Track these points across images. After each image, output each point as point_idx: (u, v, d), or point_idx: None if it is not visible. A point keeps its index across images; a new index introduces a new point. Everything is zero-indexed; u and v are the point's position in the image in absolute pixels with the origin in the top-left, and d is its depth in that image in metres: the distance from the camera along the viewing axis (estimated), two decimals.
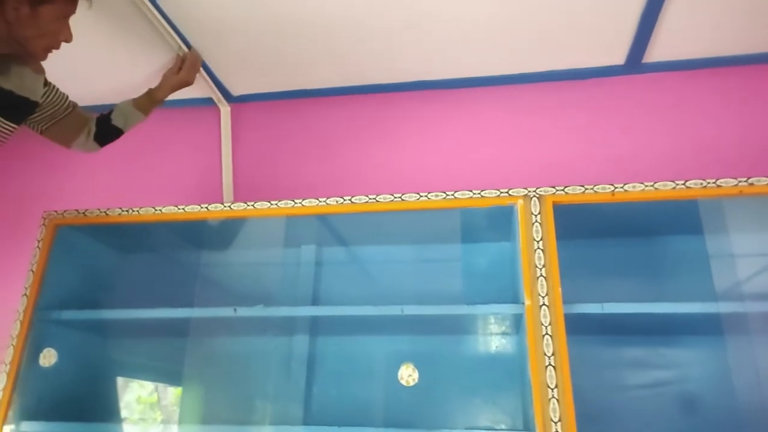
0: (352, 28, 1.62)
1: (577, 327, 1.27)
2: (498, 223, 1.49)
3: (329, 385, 1.61)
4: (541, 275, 1.28)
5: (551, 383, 1.19)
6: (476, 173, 1.80)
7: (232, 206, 1.55)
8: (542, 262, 1.29)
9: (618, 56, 1.73)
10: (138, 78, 1.83)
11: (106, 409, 1.70)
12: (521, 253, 1.32)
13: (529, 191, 1.38)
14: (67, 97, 1.45)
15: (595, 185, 1.35)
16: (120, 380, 1.76)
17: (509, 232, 1.49)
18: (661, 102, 1.77)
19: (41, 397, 1.51)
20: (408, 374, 1.40)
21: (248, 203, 1.54)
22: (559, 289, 1.27)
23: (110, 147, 1.62)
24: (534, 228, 1.33)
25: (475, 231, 1.59)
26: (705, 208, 1.41)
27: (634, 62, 1.74)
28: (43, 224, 1.62)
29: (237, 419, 1.64)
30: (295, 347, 1.65)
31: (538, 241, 1.32)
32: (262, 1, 1.52)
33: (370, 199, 1.46)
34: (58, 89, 1.41)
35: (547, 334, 1.23)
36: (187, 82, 1.66)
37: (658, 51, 1.70)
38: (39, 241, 1.60)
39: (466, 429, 1.47)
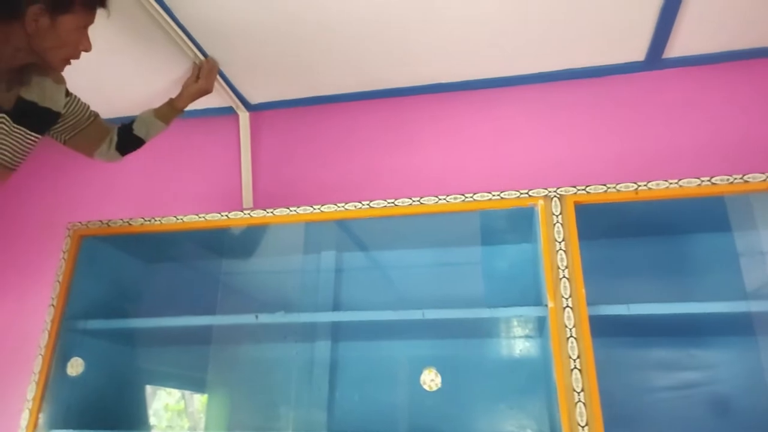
0: (367, 33, 1.63)
1: (603, 329, 1.25)
2: (518, 224, 1.48)
3: (352, 390, 1.61)
4: (564, 276, 1.26)
5: (577, 387, 1.17)
6: (495, 174, 1.78)
7: (251, 213, 1.56)
8: (565, 264, 1.27)
9: (638, 52, 1.70)
10: (156, 88, 1.85)
11: (133, 416, 1.73)
12: (543, 254, 1.30)
13: (550, 191, 1.36)
14: (89, 107, 1.47)
15: (617, 184, 1.33)
16: (146, 388, 1.78)
17: (530, 233, 1.47)
18: (684, 97, 1.74)
19: (69, 405, 1.54)
20: (431, 379, 1.39)
21: (267, 210, 1.54)
22: (583, 290, 1.25)
23: (132, 157, 1.64)
24: (555, 229, 1.31)
25: (495, 233, 1.57)
26: (733, 205, 1.38)
27: (655, 58, 1.71)
28: (68, 235, 1.65)
29: (262, 426, 1.65)
30: (317, 353, 1.65)
31: (560, 242, 1.30)
32: (276, 9, 1.53)
33: (388, 203, 1.46)
34: (79, 99, 1.43)
35: (571, 336, 1.21)
36: (206, 90, 1.67)
37: (678, 46, 1.67)
38: (64, 252, 1.63)
39: None
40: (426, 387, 1.39)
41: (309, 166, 1.96)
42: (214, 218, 1.58)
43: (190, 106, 1.66)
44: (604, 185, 1.33)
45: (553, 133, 1.79)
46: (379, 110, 1.97)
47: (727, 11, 1.52)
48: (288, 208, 1.53)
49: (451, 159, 1.85)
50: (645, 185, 1.31)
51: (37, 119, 1.28)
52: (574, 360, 1.19)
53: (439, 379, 1.39)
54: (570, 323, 1.22)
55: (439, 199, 1.43)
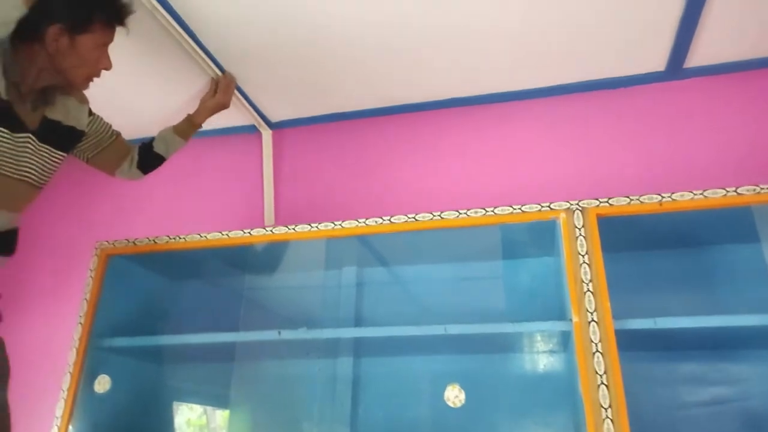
0: (385, 50, 1.64)
1: (629, 343, 1.23)
2: (540, 238, 1.47)
3: (375, 406, 1.60)
4: (589, 290, 1.25)
5: (604, 403, 1.15)
6: (515, 188, 1.77)
7: (274, 230, 1.57)
8: (589, 277, 1.26)
9: (658, 62, 1.69)
10: (174, 105, 1.87)
11: None
12: (566, 268, 1.29)
13: (572, 204, 1.35)
14: (111, 126, 1.50)
15: (641, 196, 1.32)
16: (171, 404, 1.79)
17: (552, 246, 1.46)
18: (706, 107, 1.71)
19: (96, 422, 1.56)
20: (455, 395, 1.38)
21: (289, 226, 1.56)
22: (608, 304, 1.23)
23: (157, 176, 1.67)
24: (578, 242, 1.30)
25: (517, 247, 1.57)
26: (760, 215, 1.35)
27: (675, 68, 1.70)
28: (96, 254, 1.69)
29: None
30: (340, 369, 1.65)
31: (583, 256, 1.29)
32: (296, 28, 1.56)
33: (409, 218, 1.46)
34: (101, 118, 1.47)
35: (597, 351, 1.19)
36: (224, 105, 1.69)
37: (699, 55, 1.65)
38: (92, 271, 1.66)
39: None
40: (450, 403, 1.38)
41: (330, 182, 1.98)
42: (237, 235, 1.60)
43: (213, 125, 1.69)
44: (628, 197, 1.32)
45: (573, 146, 1.78)
46: (399, 126, 1.98)
47: (749, 19, 1.50)
48: (309, 225, 1.54)
49: (470, 173, 1.85)
50: (669, 197, 1.30)
51: (62, 138, 1.31)
52: (601, 375, 1.17)
53: (463, 396, 1.38)
54: (596, 338, 1.21)
55: (460, 214, 1.43)
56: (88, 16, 1.20)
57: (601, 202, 1.33)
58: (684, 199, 1.29)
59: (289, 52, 1.66)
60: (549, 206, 1.37)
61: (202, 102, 1.67)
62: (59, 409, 1.51)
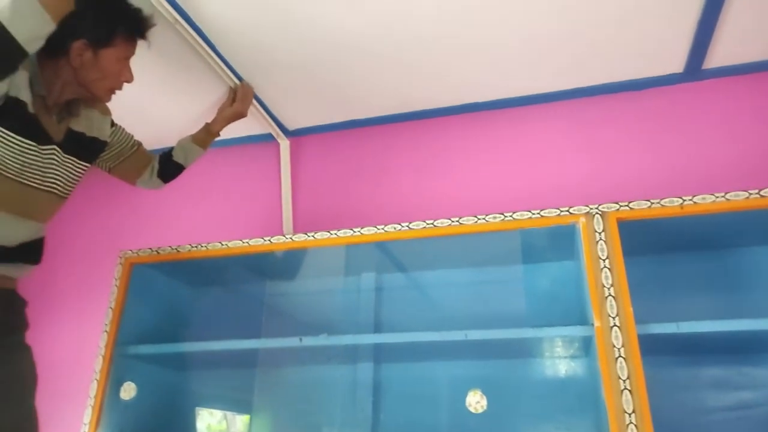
0: (401, 56, 1.65)
1: (652, 348, 1.22)
2: (560, 242, 1.46)
3: (396, 412, 1.61)
4: (610, 295, 1.24)
5: (628, 408, 1.15)
6: (534, 192, 1.77)
7: (293, 237, 1.59)
8: (610, 282, 1.26)
9: (676, 64, 1.68)
10: (193, 114, 1.89)
11: None
12: (587, 272, 1.29)
13: (591, 208, 1.35)
14: (132, 137, 1.53)
15: (661, 199, 1.31)
16: (194, 410, 1.82)
17: (572, 251, 1.45)
18: (726, 108, 1.70)
19: (123, 429, 1.58)
20: (476, 401, 1.38)
21: (308, 234, 1.57)
22: (630, 308, 1.22)
23: (179, 185, 1.70)
24: (599, 246, 1.30)
25: (536, 251, 1.56)
26: None
27: (694, 69, 1.68)
28: (120, 263, 1.72)
29: None
30: (360, 375, 1.65)
31: (604, 260, 1.28)
32: (311, 37, 1.58)
33: (427, 224, 1.47)
34: (123, 129, 1.50)
35: (620, 356, 1.19)
36: (241, 114, 1.72)
37: (718, 56, 1.64)
38: (116, 279, 1.69)
39: None
40: (471, 409, 1.38)
41: (348, 189, 1.99)
42: (257, 243, 1.61)
43: (232, 134, 1.71)
44: (648, 201, 1.31)
45: (592, 150, 1.78)
46: (416, 131, 1.99)
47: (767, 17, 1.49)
48: (329, 231, 1.56)
49: (489, 178, 1.85)
50: (690, 200, 1.29)
51: (86, 148, 1.35)
52: (624, 380, 1.17)
53: (484, 401, 1.38)
54: (618, 343, 1.20)
55: (479, 219, 1.43)
56: (111, 30, 1.23)
57: (621, 206, 1.33)
58: (705, 202, 1.28)
59: (305, 61, 1.68)
60: (568, 211, 1.36)
61: (220, 111, 1.69)
62: (87, 416, 1.54)
